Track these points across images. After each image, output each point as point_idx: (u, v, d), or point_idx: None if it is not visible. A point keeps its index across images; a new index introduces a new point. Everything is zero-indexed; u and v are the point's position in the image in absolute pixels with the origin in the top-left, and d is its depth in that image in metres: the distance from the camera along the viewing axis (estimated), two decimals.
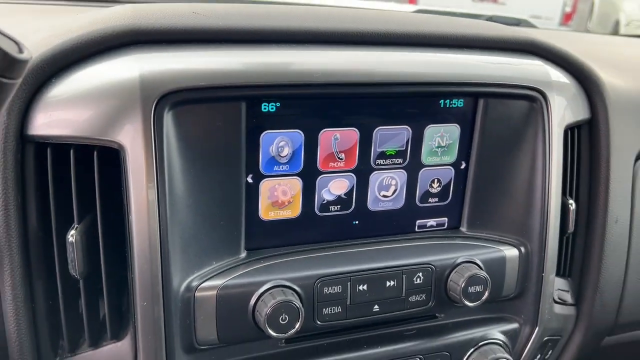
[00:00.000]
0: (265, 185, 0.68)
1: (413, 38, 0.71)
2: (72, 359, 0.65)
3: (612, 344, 1.01)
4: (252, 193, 0.68)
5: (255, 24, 0.65)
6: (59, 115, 0.59)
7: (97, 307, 0.66)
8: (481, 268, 0.74)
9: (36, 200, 0.61)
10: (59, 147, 0.60)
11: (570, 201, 0.82)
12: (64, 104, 0.59)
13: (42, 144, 0.60)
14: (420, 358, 0.75)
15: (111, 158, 0.60)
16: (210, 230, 0.65)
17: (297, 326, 0.64)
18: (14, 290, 0.59)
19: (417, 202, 0.76)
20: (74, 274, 0.61)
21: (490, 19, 1.41)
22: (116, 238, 0.62)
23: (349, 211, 0.73)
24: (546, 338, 0.84)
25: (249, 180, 0.67)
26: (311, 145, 0.68)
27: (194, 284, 0.63)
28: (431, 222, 0.78)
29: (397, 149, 0.72)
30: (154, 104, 0.58)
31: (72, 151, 0.60)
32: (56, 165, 0.60)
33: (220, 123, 0.62)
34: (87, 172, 0.61)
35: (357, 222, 0.74)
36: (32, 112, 0.59)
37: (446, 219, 0.79)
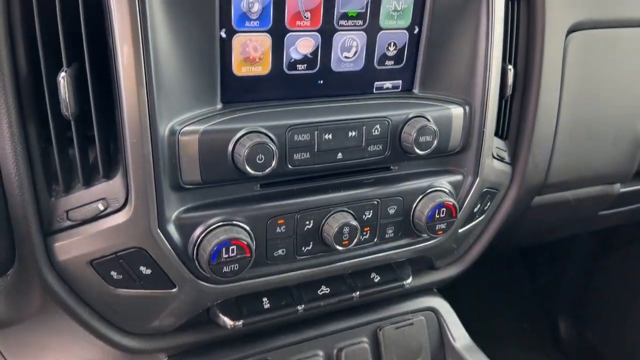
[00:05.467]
0: (237, 41, 0.73)
1: None
2: (66, 197, 0.71)
3: (540, 204, 1.15)
4: (226, 48, 0.73)
5: None
6: None
7: (87, 152, 0.72)
8: (430, 122, 0.84)
9: (25, 46, 0.64)
10: None
11: (510, 67, 0.91)
12: None
13: None
14: (377, 201, 0.85)
15: (96, 6, 0.64)
16: (190, 80, 0.71)
17: (273, 164, 0.71)
18: (11, 128, 0.64)
19: (375, 65, 0.84)
20: (66, 113, 0.66)
21: None
22: (103, 84, 0.67)
23: (315, 70, 0.80)
24: (485, 189, 0.96)
25: (223, 34, 0.72)
26: (279, 3, 0.74)
27: (177, 127, 0.70)
28: (387, 84, 0.87)
29: (358, 11, 0.79)
30: None
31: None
32: (42, 13, 0.64)
33: None
34: (73, 22, 0.65)
35: (321, 81, 0.81)
36: None
37: (400, 81, 0.87)
